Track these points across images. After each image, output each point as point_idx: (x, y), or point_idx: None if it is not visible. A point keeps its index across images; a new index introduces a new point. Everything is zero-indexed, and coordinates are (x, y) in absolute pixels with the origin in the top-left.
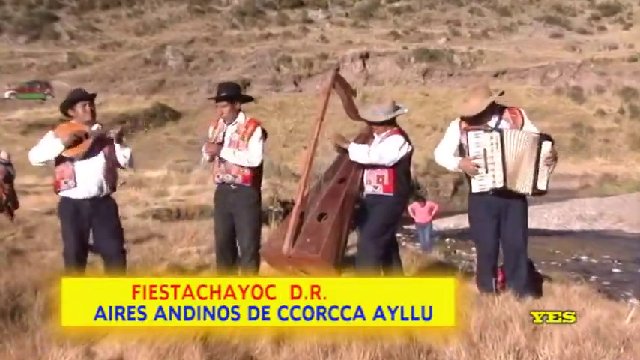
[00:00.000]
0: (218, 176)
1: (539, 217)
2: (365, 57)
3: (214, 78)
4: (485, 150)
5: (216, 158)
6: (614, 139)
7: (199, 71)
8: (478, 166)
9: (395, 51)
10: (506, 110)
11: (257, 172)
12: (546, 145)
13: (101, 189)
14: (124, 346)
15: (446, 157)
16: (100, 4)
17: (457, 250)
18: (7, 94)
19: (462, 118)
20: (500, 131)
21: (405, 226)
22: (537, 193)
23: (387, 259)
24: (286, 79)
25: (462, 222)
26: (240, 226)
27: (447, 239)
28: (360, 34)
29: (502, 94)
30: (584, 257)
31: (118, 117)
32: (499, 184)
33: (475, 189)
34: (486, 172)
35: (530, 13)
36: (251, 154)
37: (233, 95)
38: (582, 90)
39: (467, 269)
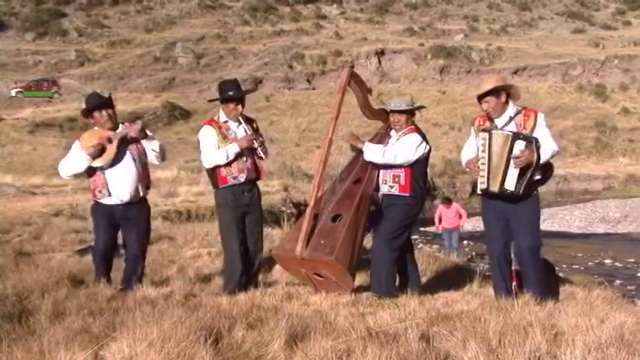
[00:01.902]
0: (236, 177)
1: (561, 220)
2: (380, 54)
3: (225, 75)
4: (481, 151)
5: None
6: (639, 139)
7: (210, 69)
8: (478, 167)
9: (411, 47)
10: (522, 112)
11: None
12: (519, 145)
13: (135, 194)
14: (132, 350)
15: (464, 157)
16: (109, 0)
17: (475, 253)
18: (13, 93)
19: (486, 116)
20: (489, 131)
21: (422, 228)
22: (508, 194)
23: (402, 261)
24: (299, 76)
25: (479, 224)
26: (253, 223)
27: (465, 242)
28: (375, 30)
29: (512, 87)
30: (607, 261)
31: (127, 116)
32: (483, 185)
33: (477, 190)
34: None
35: (552, 7)
36: (267, 148)
37: (247, 91)
38: (606, 87)
39: (485, 272)
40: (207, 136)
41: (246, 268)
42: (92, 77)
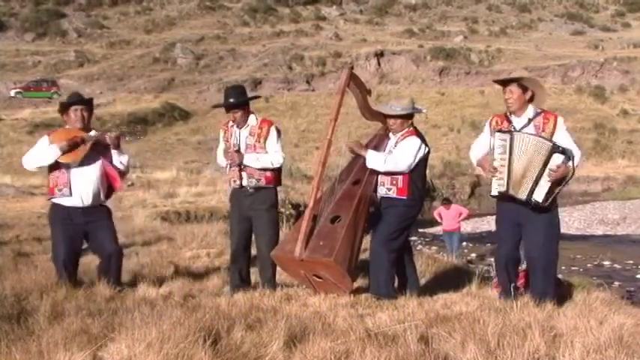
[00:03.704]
0: (235, 181)
1: (560, 221)
2: (379, 55)
3: (225, 77)
4: (500, 152)
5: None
6: (638, 140)
7: (209, 70)
8: (495, 168)
9: (410, 49)
10: (541, 115)
11: (278, 172)
12: (557, 158)
13: (96, 198)
14: (131, 351)
15: (473, 153)
16: (108, 0)
17: (474, 254)
18: (13, 93)
19: (504, 116)
20: (512, 133)
21: (421, 230)
22: (533, 203)
23: (400, 263)
24: (299, 77)
25: (479, 225)
26: (259, 229)
27: (464, 243)
28: (375, 31)
29: (539, 88)
30: (606, 262)
31: (126, 117)
32: (502, 188)
33: (492, 192)
34: (500, 174)
35: (551, 9)
36: (273, 156)
37: (244, 102)
38: (605, 89)
39: (484, 274)
40: (219, 137)
41: (259, 269)
42: (92, 78)
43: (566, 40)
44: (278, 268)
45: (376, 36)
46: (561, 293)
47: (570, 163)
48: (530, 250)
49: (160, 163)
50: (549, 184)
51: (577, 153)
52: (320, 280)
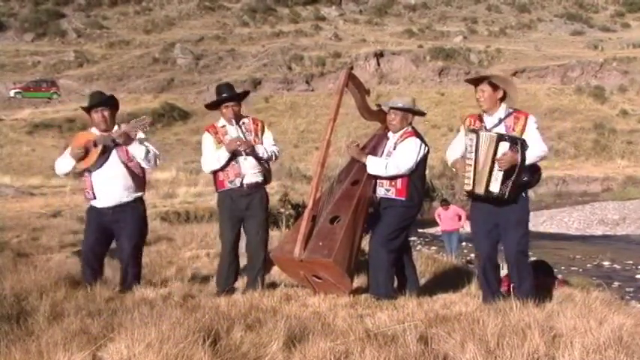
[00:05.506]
0: (232, 181)
1: (560, 221)
2: (379, 55)
3: (224, 77)
4: (469, 152)
5: (233, 162)
6: (638, 141)
7: (209, 70)
8: (465, 168)
9: (410, 49)
10: (513, 114)
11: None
12: (503, 146)
13: (122, 198)
14: (130, 351)
15: (450, 153)
16: (108, 1)
17: (473, 255)
18: (12, 93)
19: (477, 116)
20: (477, 132)
21: (421, 230)
22: (492, 196)
23: (400, 263)
24: (298, 78)
25: None
26: (254, 228)
27: (463, 243)
28: (374, 31)
29: (511, 89)
30: (606, 263)
31: (126, 117)
32: (468, 187)
33: (462, 191)
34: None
35: (551, 9)
36: (274, 147)
37: (242, 94)
38: (604, 89)
39: None
40: (205, 142)
41: (249, 270)
42: (91, 78)
43: (565, 41)
44: (276, 268)
45: (376, 36)
46: (547, 287)
47: (518, 151)
48: (509, 246)
49: (159, 163)
50: (501, 173)
51: (541, 149)
52: (319, 280)
